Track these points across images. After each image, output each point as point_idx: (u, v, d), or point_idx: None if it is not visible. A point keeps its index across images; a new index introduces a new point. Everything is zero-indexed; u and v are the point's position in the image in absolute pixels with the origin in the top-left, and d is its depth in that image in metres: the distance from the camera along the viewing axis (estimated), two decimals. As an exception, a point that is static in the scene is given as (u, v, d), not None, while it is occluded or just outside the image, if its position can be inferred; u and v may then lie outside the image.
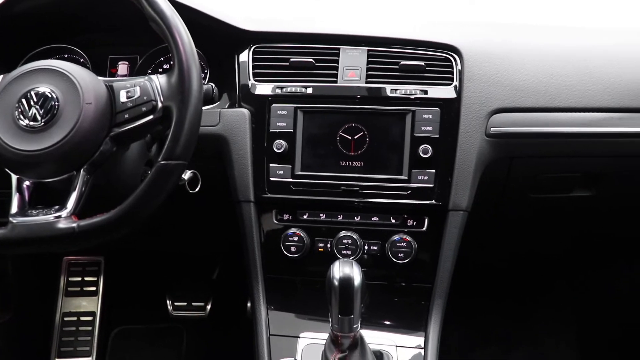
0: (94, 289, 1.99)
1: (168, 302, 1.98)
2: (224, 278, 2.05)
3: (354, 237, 1.25)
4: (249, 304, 1.72)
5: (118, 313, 2.02)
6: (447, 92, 1.24)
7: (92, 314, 1.97)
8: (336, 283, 1.02)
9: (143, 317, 2.00)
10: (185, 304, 1.98)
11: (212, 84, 1.17)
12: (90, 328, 1.95)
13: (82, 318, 1.96)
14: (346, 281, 1.02)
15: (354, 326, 1.05)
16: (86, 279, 2.00)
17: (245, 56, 1.31)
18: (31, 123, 1.00)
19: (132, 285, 2.05)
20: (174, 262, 2.04)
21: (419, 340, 1.20)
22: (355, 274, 1.02)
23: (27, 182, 1.04)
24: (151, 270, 2.05)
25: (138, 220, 0.99)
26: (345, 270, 1.02)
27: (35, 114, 1.01)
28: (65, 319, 1.96)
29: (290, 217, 1.28)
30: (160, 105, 1.02)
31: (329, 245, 1.26)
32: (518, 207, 1.43)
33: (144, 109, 1.03)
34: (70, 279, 2.00)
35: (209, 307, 1.98)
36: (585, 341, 1.95)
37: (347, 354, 1.06)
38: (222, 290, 2.01)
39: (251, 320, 1.73)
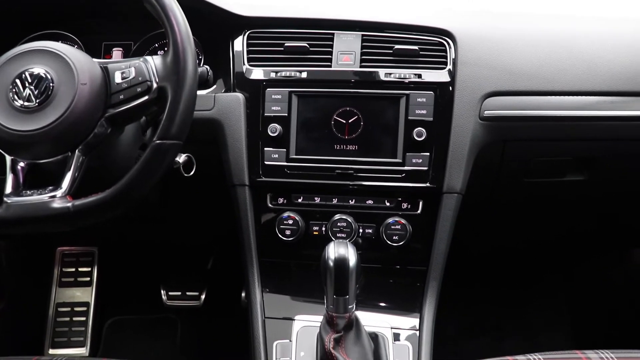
0: (87, 279, 1.99)
1: (162, 292, 1.97)
2: (218, 268, 2.05)
3: (349, 220, 1.25)
4: (243, 294, 1.73)
5: (112, 303, 2.01)
6: (441, 76, 1.25)
7: (86, 304, 1.96)
8: (331, 264, 1.03)
9: (137, 307, 2.00)
10: (179, 293, 1.97)
11: (207, 66, 1.17)
12: (84, 318, 1.95)
13: (76, 309, 1.96)
14: (341, 262, 1.02)
15: (349, 307, 1.06)
16: (80, 269, 2.00)
17: (239, 41, 1.32)
18: (26, 103, 1.00)
19: (126, 276, 2.04)
20: (168, 253, 2.04)
21: (414, 321, 1.20)
22: (350, 254, 1.03)
23: (21, 164, 1.04)
24: (145, 260, 2.04)
25: (133, 199, 0.99)
26: (340, 250, 1.03)
27: (29, 94, 1.00)
28: (59, 309, 1.95)
29: (285, 201, 1.28)
30: (155, 85, 1.02)
31: (323, 229, 1.26)
32: (512, 192, 1.44)
33: (139, 89, 1.03)
34: (64, 269, 2.00)
35: (203, 296, 1.98)
36: (578, 330, 1.96)
37: (343, 334, 1.07)
38: (216, 280, 2.01)
39: (245, 309, 1.73)
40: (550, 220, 1.68)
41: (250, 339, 1.19)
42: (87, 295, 1.98)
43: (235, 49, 1.32)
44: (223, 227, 1.62)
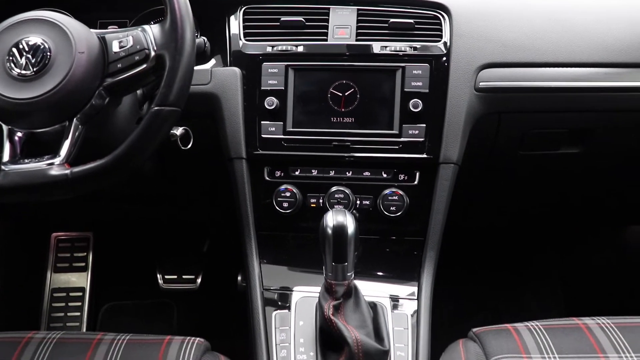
0: (83, 264, 1.99)
1: (158, 275, 1.98)
2: (214, 251, 2.05)
3: (346, 191, 1.26)
4: (239, 277, 1.73)
5: (108, 288, 2.01)
6: (436, 48, 1.26)
7: (82, 289, 1.96)
8: (330, 231, 1.04)
9: (133, 292, 2.00)
10: (175, 277, 1.97)
11: (204, 37, 1.18)
12: (79, 304, 1.95)
13: (72, 294, 1.96)
14: (340, 229, 1.03)
15: (348, 274, 1.07)
16: (75, 254, 1.99)
17: (235, 17, 1.32)
18: (23, 72, 1.00)
19: (121, 261, 2.04)
20: (163, 237, 2.04)
21: (413, 290, 1.21)
22: (349, 222, 1.04)
23: (19, 134, 1.04)
24: (141, 245, 2.04)
25: (131, 166, 1.00)
26: (339, 218, 1.04)
27: (26, 63, 1.00)
28: (55, 294, 1.95)
29: (282, 174, 1.29)
30: (153, 54, 1.02)
31: (321, 201, 1.27)
32: (507, 165, 1.45)
33: (136, 57, 1.03)
34: (59, 254, 2.00)
35: (199, 280, 1.98)
36: (572, 310, 1.97)
37: (342, 302, 1.08)
38: (212, 263, 2.02)
39: (242, 293, 1.73)
40: (545, 195, 1.70)
41: (249, 310, 1.20)
42: (82, 280, 1.97)
43: (231, 24, 1.32)
44: (220, 205, 1.62)
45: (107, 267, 2.02)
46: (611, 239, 2.01)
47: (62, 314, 1.93)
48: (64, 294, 1.95)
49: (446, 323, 1.95)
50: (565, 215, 1.88)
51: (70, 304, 1.94)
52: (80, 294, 1.95)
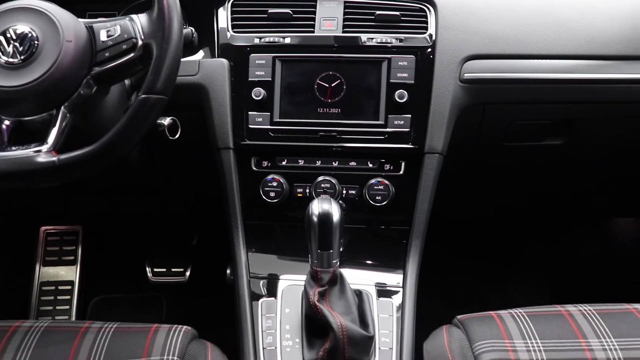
0: (72, 258, 1.99)
1: (147, 268, 1.98)
2: (203, 245, 2.06)
3: (333, 181, 1.28)
4: (228, 270, 1.74)
5: (97, 282, 2.01)
6: (421, 40, 1.28)
7: (71, 282, 1.96)
8: (315, 219, 1.06)
9: (122, 285, 2.00)
10: (164, 270, 1.98)
11: (192, 28, 1.19)
12: (68, 297, 1.95)
13: (60, 287, 1.95)
14: (325, 216, 1.05)
15: (333, 261, 1.09)
16: (64, 248, 1.99)
17: (224, 9, 1.34)
18: (10, 60, 1.01)
19: (110, 254, 2.04)
20: (152, 230, 2.04)
21: (398, 278, 1.23)
22: (334, 209, 1.06)
23: (6, 122, 1.04)
24: (130, 238, 2.05)
25: (119, 153, 1.00)
26: (324, 206, 1.06)
27: (13, 51, 1.01)
28: (43, 288, 1.95)
29: (269, 164, 1.30)
30: (140, 43, 1.04)
31: (307, 190, 1.29)
32: (492, 156, 1.47)
33: (124, 47, 1.04)
34: (48, 248, 2.00)
35: (188, 273, 1.99)
36: (558, 301, 2.00)
37: (327, 288, 1.09)
38: (201, 257, 2.02)
39: (231, 286, 1.74)
40: (530, 187, 1.72)
41: (235, 297, 1.21)
42: (71, 273, 1.98)
43: (219, 16, 1.34)
44: (207, 195, 1.63)
45: (96, 261, 2.02)
46: (596, 231, 2.03)
47: (50, 307, 1.93)
48: (53, 288, 1.95)
49: (431, 313, 1.96)
50: (550, 207, 1.91)
51: (59, 297, 1.94)
52: (69, 287, 1.96)
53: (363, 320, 1.10)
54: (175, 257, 2.01)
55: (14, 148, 1.01)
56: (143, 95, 1.00)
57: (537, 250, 2.08)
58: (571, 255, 2.06)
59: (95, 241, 2.04)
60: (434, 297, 1.96)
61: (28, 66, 1.00)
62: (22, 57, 1.00)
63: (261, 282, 1.22)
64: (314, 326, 1.08)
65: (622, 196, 1.81)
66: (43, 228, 2.02)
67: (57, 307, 1.93)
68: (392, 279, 1.23)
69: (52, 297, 1.94)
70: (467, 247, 2.08)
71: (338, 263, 1.10)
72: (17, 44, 1.01)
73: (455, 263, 2.02)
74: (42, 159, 0.99)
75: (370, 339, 1.07)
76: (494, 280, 2.03)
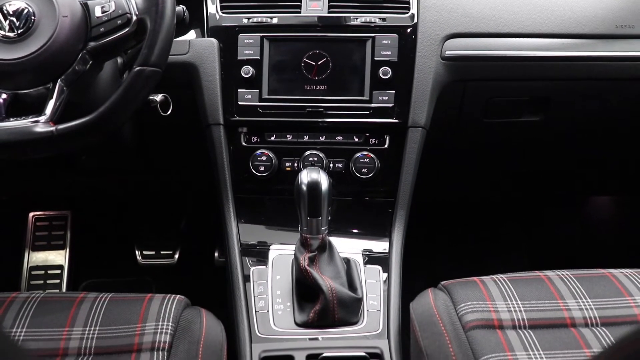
0: (61, 242, 2.00)
1: (137, 252, 2.01)
2: (191, 229, 2.09)
3: (320, 155, 1.32)
4: (216, 253, 1.78)
5: (86, 266, 2.03)
6: (404, 19, 1.32)
7: (60, 267, 1.98)
8: (304, 188, 1.10)
9: (111, 269, 2.02)
10: (153, 252, 2.01)
11: (183, 6, 1.23)
12: (58, 281, 1.96)
13: (50, 272, 1.97)
14: (314, 184, 1.10)
15: (322, 228, 1.13)
16: (53, 233, 2.01)
17: None
18: (7, 34, 1.04)
19: (100, 239, 2.06)
20: (141, 214, 2.07)
21: (384, 245, 1.28)
22: (322, 179, 1.11)
23: (3, 95, 1.07)
24: (118, 223, 2.07)
25: (115, 123, 1.04)
26: (313, 175, 1.11)
27: (10, 25, 1.04)
28: (33, 272, 1.97)
29: (258, 139, 1.34)
30: (135, 18, 1.07)
31: (295, 164, 1.33)
32: (473, 133, 1.52)
33: (119, 22, 1.08)
34: (37, 233, 2.01)
35: (177, 255, 2.02)
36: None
37: (316, 254, 1.14)
38: (189, 240, 2.05)
39: (219, 268, 1.78)
40: (510, 167, 1.78)
41: (228, 266, 1.25)
42: (60, 258, 1.99)
43: None
44: (197, 173, 1.66)
45: (85, 245, 2.04)
46: (575, 210, 2.09)
47: (40, 292, 1.94)
48: (43, 272, 1.97)
49: (416, 288, 2.01)
50: (531, 187, 1.97)
51: (48, 281, 1.96)
52: (58, 271, 1.97)
53: (351, 285, 1.15)
54: (163, 241, 2.03)
55: (12, 119, 1.05)
56: (138, 68, 1.03)
57: (518, 230, 2.14)
58: (551, 236, 2.12)
59: (85, 226, 2.05)
60: (416, 278, 2.02)
61: (25, 40, 1.04)
62: (19, 32, 1.04)
63: (252, 251, 1.26)
64: (304, 290, 1.13)
65: (599, 176, 1.88)
66: (32, 214, 2.04)
67: (47, 291, 1.94)
68: (379, 246, 1.28)
69: (41, 282, 1.96)
70: (448, 228, 2.13)
71: (327, 230, 1.15)
72: (13, 19, 1.04)
73: (436, 243, 2.06)
74: (40, 129, 1.02)
75: (359, 301, 1.12)
76: (475, 262, 2.08)
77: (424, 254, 1.88)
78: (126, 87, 1.03)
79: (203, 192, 1.71)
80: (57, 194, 1.98)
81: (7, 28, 1.04)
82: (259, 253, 1.25)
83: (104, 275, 2.02)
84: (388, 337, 1.09)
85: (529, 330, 1.02)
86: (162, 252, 2.01)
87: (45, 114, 1.04)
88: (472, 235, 2.14)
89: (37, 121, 1.03)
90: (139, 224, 2.08)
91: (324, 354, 1.02)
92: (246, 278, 1.20)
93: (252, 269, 1.22)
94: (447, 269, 2.05)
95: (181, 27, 1.27)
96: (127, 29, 1.08)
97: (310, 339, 1.08)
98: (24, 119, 1.04)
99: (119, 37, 1.08)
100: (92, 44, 1.08)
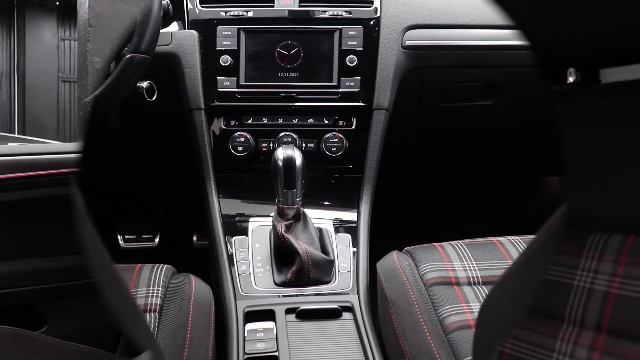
0: (45, 230, 2.07)
1: (119, 236, 2.09)
2: (170, 214, 2.18)
3: (293, 136, 1.45)
4: (194, 237, 1.88)
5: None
6: (368, 12, 1.46)
7: (44, 253, 2.05)
8: (280, 163, 1.22)
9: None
10: (134, 236, 2.10)
11: (167, 0, 1.33)
12: (42, 266, 2.03)
13: (34, 258, 2.04)
14: (289, 159, 1.22)
15: (297, 199, 1.25)
16: (37, 220, 2.08)
17: None
18: None
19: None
20: (122, 200, 2.15)
21: (353, 216, 1.40)
22: (296, 154, 1.23)
23: None
24: (100, 209, 2.15)
25: (109, 105, 1.15)
26: (288, 152, 1.22)
27: None
28: (17, 259, 2.03)
29: (236, 123, 1.46)
30: None
31: (271, 145, 1.45)
32: (432, 116, 1.66)
33: None
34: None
35: (157, 239, 2.11)
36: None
37: (292, 222, 1.26)
38: (169, 225, 2.15)
39: (198, 250, 1.88)
40: (470, 150, 1.92)
41: (211, 237, 1.36)
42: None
43: None
44: (177, 157, 1.76)
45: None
46: (529, 191, 2.24)
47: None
48: (26, 258, 2.04)
49: (380, 256, 2.13)
50: (489, 170, 2.11)
51: (33, 267, 2.03)
52: (42, 257, 2.04)
53: (324, 250, 1.27)
54: (144, 225, 2.13)
55: None
56: (129, 55, 1.14)
57: (479, 213, 2.28)
58: (509, 217, 2.26)
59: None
60: (385, 246, 2.14)
61: None
62: None
63: (233, 223, 1.38)
64: (282, 255, 1.25)
65: (550, 157, 2.02)
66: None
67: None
68: (348, 216, 1.40)
69: (25, 267, 2.03)
70: (411, 211, 2.25)
71: (301, 202, 1.27)
72: None
73: (399, 226, 2.19)
74: None
75: (332, 263, 1.24)
76: (438, 234, 2.22)
77: (391, 226, 2.00)
78: (118, 73, 1.13)
79: (183, 177, 1.81)
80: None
81: None
82: (239, 225, 1.37)
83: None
84: (358, 293, 1.21)
85: (482, 286, 1.16)
86: (143, 236, 2.10)
87: None
88: (435, 216, 2.27)
89: None
90: (121, 209, 2.16)
91: (301, 307, 1.13)
92: (229, 246, 1.31)
93: (233, 238, 1.33)
94: (412, 241, 2.19)
95: (165, 19, 1.38)
96: None
97: (288, 295, 1.20)
98: None
99: None
100: None
